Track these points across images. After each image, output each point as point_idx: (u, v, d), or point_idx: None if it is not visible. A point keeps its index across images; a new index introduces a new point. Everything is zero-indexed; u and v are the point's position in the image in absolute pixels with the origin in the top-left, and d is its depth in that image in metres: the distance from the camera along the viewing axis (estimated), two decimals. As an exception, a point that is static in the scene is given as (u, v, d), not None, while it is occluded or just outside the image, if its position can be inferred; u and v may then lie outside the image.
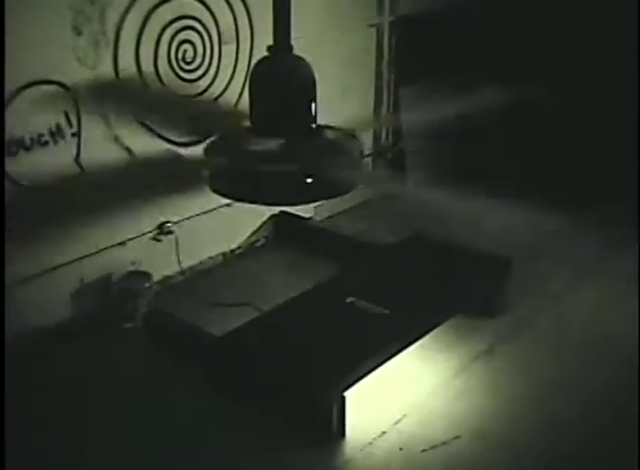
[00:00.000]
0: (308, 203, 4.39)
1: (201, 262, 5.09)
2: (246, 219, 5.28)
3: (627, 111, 6.20)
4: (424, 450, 3.51)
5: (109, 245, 4.50)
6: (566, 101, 6.48)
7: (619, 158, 6.18)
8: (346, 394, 3.55)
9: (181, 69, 4.65)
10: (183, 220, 4.88)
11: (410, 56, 6.27)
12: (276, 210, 5.41)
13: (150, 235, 4.73)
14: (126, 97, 4.40)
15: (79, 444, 3.52)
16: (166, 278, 4.87)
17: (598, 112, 6.42)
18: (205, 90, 4.83)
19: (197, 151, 4.55)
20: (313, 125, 3.68)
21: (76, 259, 4.34)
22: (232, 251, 5.31)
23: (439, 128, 6.13)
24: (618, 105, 6.27)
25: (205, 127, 4.63)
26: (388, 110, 6.40)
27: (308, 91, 3.61)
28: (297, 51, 3.68)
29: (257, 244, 5.49)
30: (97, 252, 4.44)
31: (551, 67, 6.50)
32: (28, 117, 3.96)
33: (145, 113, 4.50)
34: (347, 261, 4.83)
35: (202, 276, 5.05)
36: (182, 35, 4.59)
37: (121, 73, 4.33)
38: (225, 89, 4.94)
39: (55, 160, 4.13)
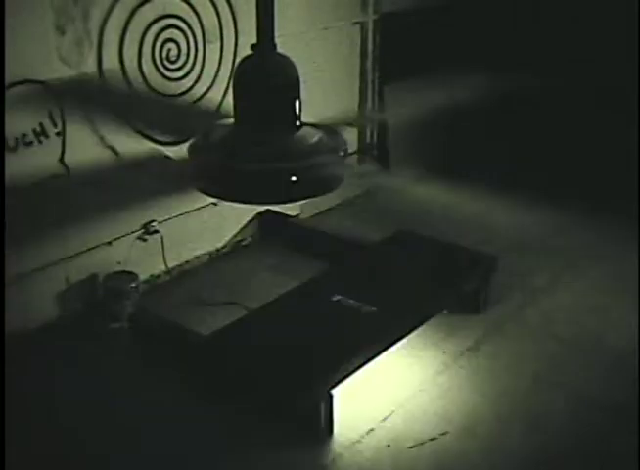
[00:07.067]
0: (293, 201, 4.38)
1: (187, 262, 5.09)
2: (232, 218, 5.28)
3: (625, 106, 6.22)
4: (411, 447, 3.52)
5: (94, 245, 4.49)
6: (555, 95, 6.51)
7: (614, 151, 6.21)
8: (334, 391, 3.57)
9: (165, 67, 4.64)
10: (169, 220, 4.87)
11: (394, 53, 6.28)
12: (262, 208, 5.40)
13: (135, 235, 4.73)
14: (109, 96, 4.39)
15: (66, 444, 3.52)
16: (153, 278, 4.86)
17: (589, 108, 6.45)
18: (190, 89, 4.82)
19: (181, 150, 4.54)
20: (297, 123, 3.67)
21: (62, 260, 4.33)
22: (218, 249, 5.30)
23: (424, 125, 6.15)
24: (613, 100, 6.30)
25: (189, 127, 4.62)
26: (372, 107, 6.40)
27: (292, 89, 3.60)
28: (280, 49, 3.68)
29: (244, 242, 5.48)
30: (82, 252, 4.43)
31: (539, 61, 6.52)
32: (12, 118, 3.94)
33: (129, 112, 4.49)
34: (334, 259, 4.84)
35: (188, 275, 5.04)
36: (166, 34, 4.58)
37: (105, 73, 4.31)
38: (209, 88, 4.93)
39: (39, 160, 4.12)
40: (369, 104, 6.38)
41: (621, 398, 3.81)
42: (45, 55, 4.03)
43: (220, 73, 4.96)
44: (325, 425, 3.58)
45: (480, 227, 5.43)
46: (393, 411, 3.76)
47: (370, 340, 3.85)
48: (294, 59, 3.69)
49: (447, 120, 6.22)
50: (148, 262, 4.78)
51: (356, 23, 6.06)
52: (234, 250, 5.40)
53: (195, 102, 4.86)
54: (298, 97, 3.63)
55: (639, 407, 3.67)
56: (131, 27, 4.39)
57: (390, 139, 6.48)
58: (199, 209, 4.99)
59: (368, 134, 6.48)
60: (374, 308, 4.04)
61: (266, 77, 3.54)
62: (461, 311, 4.51)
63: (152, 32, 4.50)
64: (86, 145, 4.34)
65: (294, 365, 3.66)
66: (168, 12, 4.56)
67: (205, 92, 4.91)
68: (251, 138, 3.55)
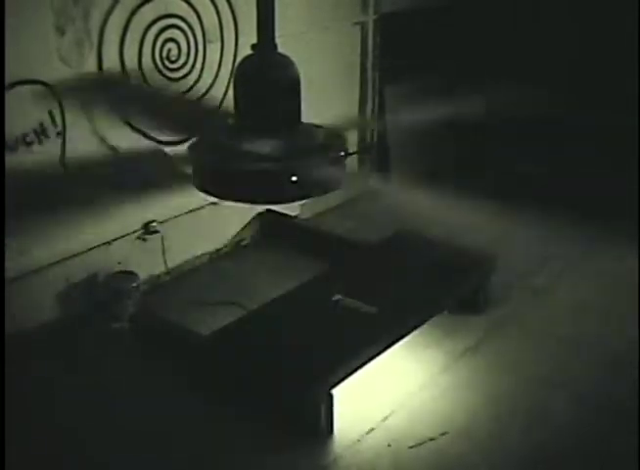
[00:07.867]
0: (294, 201, 4.40)
1: (187, 262, 5.09)
2: (232, 218, 5.28)
3: (625, 110, 6.21)
4: (411, 447, 3.52)
5: (94, 245, 4.48)
6: (555, 99, 6.50)
7: (613, 155, 6.21)
8: (334, 391, 3.57)
9: (166, 67, 4.64)
10: (169, 220, 4.87)
11: (395, 54, 6.28)
12: (262, 208, 5.40)
13: (135, 235, 4.72)
14: (111, 95, 4.39)
15: (66, 444, 3.52)
16: (153, 278, 4.86)
17: (590, 112, 6.44)
18: (190, 89, 4.82)
19: (181, 149, 4.54)
20: (298, 123, 3.68)
21: (62, 260, 4.33)
22: (218, 250, 5.30)
23: (424, 127, 6.14)
24: (615, 106, 6.28)
25: (190, 126, 4.62)
26: (372, 108, 6.40)
27: (293, 89, 3.61)
28: (281, 49, 3.68)
29: (243, 243, 5.48)
30: (82, 252, 4.43)
31: (539, 63, 6.51)
32: (12, 117, 3.94)
33: (130, 111, 4.49)
34: (333, 259, 4.83)
35: (188, 276, 5.04)
36: (166, 34, 4.58)
37: (106, 73, 4.32)
38: (210, 88, 4.93)
39: (40, 159, 4.12)
40: (369, 104, 6.38)
41: (621, 398, 3.81)
42: (45, 55, 4.02)
43: (221, 73, 4.96)
44: (325, 425, 3.58)
45: (480, 228, 5.42)
46: (393, 411, 3.76)
47: (370, 340, 3.85)
48: (294, 59, 3.70)
49: (448, 122, 6.22)
50: (148, 262, 4.78)
51: (356, 23, 6.06)
52: (234, 250, 5.40)
53: (195, 101, 4.87)
54: (299, 97, 3.63)
55: (639, 407, 3.67)
56: (132, 27, 4.39)
57: (390, 139, 6.48)
58: (199, 209, 4.99)
59: (368, 135, 6.48)
60: (374, 308, 4.05)
61: (267, 77, 3.55)
62: (461, 311, 4.51)
63: (152, 32, 4.50)
64: (87, 145, 4.34)
65: (293, 366, 3.66)
66: (169, 12, 4.56)
67: (206, 92, 4.92)
68: (252, 138, 3.56)
